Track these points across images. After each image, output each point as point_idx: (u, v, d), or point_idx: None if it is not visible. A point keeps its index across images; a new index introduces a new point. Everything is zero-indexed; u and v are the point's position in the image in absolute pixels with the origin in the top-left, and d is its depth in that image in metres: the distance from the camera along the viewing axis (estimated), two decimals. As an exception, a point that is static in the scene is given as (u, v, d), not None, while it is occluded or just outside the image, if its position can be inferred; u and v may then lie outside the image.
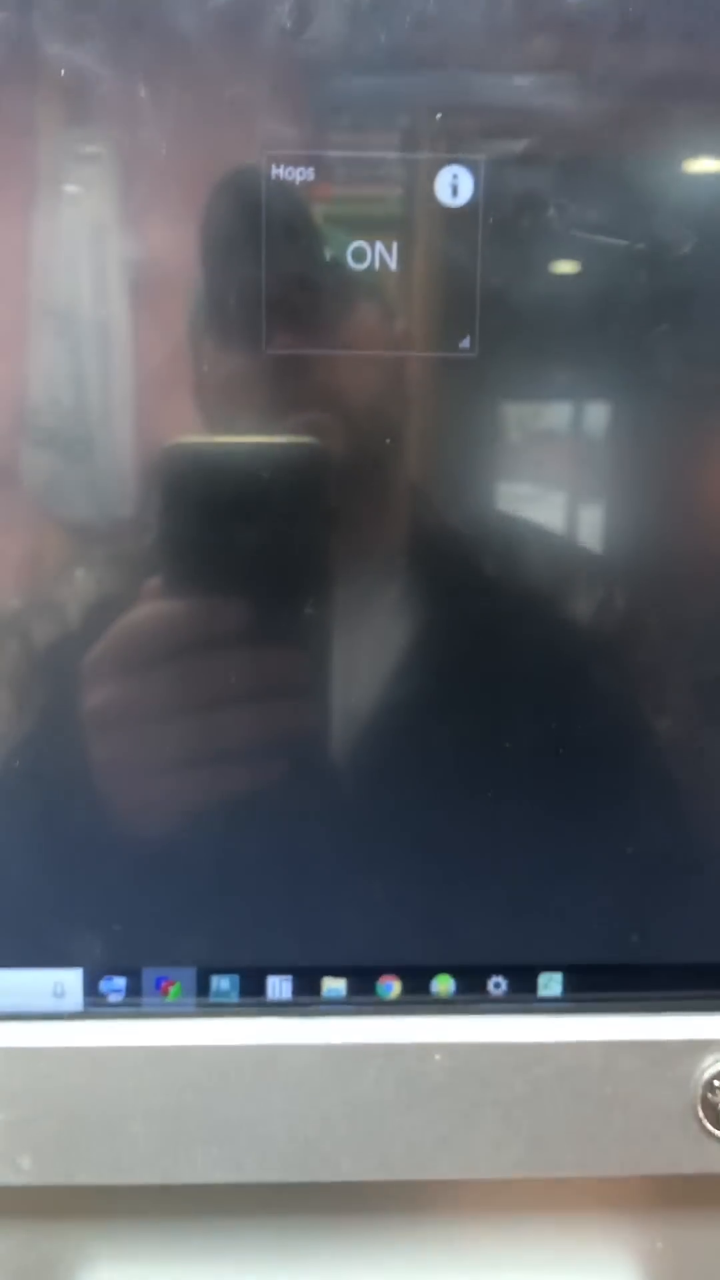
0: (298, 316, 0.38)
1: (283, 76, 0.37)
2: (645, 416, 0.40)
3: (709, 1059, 0.41)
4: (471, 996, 0.43)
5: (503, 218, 0.38)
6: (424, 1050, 0.41)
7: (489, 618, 0.41)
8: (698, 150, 0.38)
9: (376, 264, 0.38)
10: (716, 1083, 0.41)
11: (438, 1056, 0.41)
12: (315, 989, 0.42)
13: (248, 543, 0.39)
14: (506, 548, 0.40)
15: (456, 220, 0.38)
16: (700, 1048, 0.41)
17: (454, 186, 0.38)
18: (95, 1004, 0.42)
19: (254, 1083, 0.41)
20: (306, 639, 0.40)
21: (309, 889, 0.42)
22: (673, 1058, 0.41)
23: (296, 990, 0.42)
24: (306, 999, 0.42)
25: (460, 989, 0.43)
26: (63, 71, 0.37)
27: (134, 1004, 0.42)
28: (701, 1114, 0.41)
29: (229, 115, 0.37)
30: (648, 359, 0.39)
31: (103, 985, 0.42)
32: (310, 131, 0.37)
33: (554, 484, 0.41)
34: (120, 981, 0.42)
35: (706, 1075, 0.41)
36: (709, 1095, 0.41)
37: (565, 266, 0.38)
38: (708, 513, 0.41)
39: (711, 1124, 0.41)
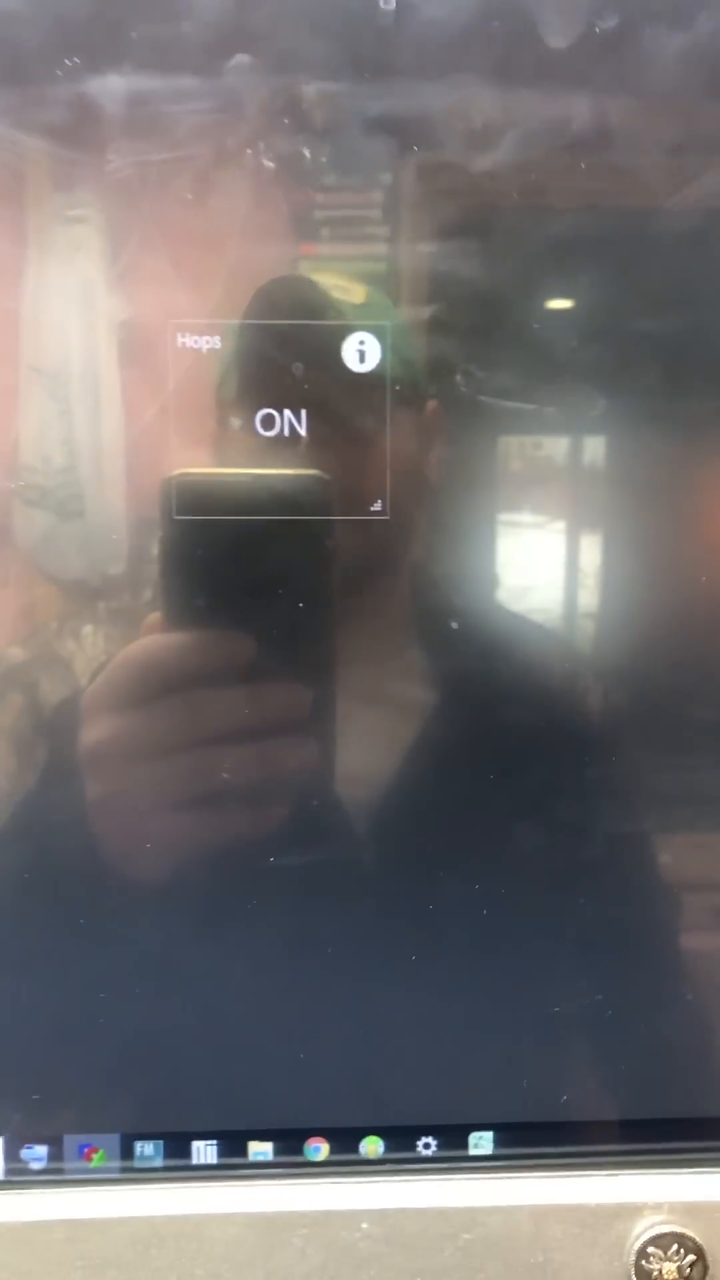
0: (206, 483, 0.38)
1: (186, 244, 0.37)
2: (571, 567, 0.40)
3: (642, 1224, 0.40)
4: (401, 1156, 0.42)
5: (410, 383, 0.38)
6: (351, 1217, 0.40)
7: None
8: (603, 314, 0.38)
9: (286, 431, 0.38)
10: (650, 1249, 0.40)
11: (365, 1224, 0.40)
12: (241, 1152, 0.42)
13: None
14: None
15: (364, 386, 0.38)
16: (633, 1211, 0.40)
17: (361, 353, 0.37)
18: (16, 1172, 0.41)
19: (178, 1255, 0.40)
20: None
21: (233, 1051, 0.41)
22: (605, 1222, 0.40)
23: (222, 1154, 0.41)
24: (232, 1163, 0.41)
25: (389, 1149, 0.42)
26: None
27: (56, 1171, 0.41)
28: (635, 1281, 0.40)
29: (133, 284, 0.37)
30: (565, 518, 0.39)
31: (24, 1153, 0.41)
32: (215, 300, 0.37)
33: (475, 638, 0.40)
34: (42, 1150, 0.41)
35: (640, 1241, 0.40)
36: (643, 1262, 0.40)
37: (474, 430, 0.38)
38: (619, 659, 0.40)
39: (645, 1292, 0.40)
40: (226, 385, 0.38)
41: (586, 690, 0.40)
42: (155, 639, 0.39)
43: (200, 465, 0.38)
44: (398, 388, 0.37)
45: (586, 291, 0.37)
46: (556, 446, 0.39)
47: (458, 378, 0.37)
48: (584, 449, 0.38)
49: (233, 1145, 0.41)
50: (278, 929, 0.41)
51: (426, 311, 0.38)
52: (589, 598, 0.40)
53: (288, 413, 0.37)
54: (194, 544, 0.38)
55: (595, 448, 0.38)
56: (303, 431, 0.38)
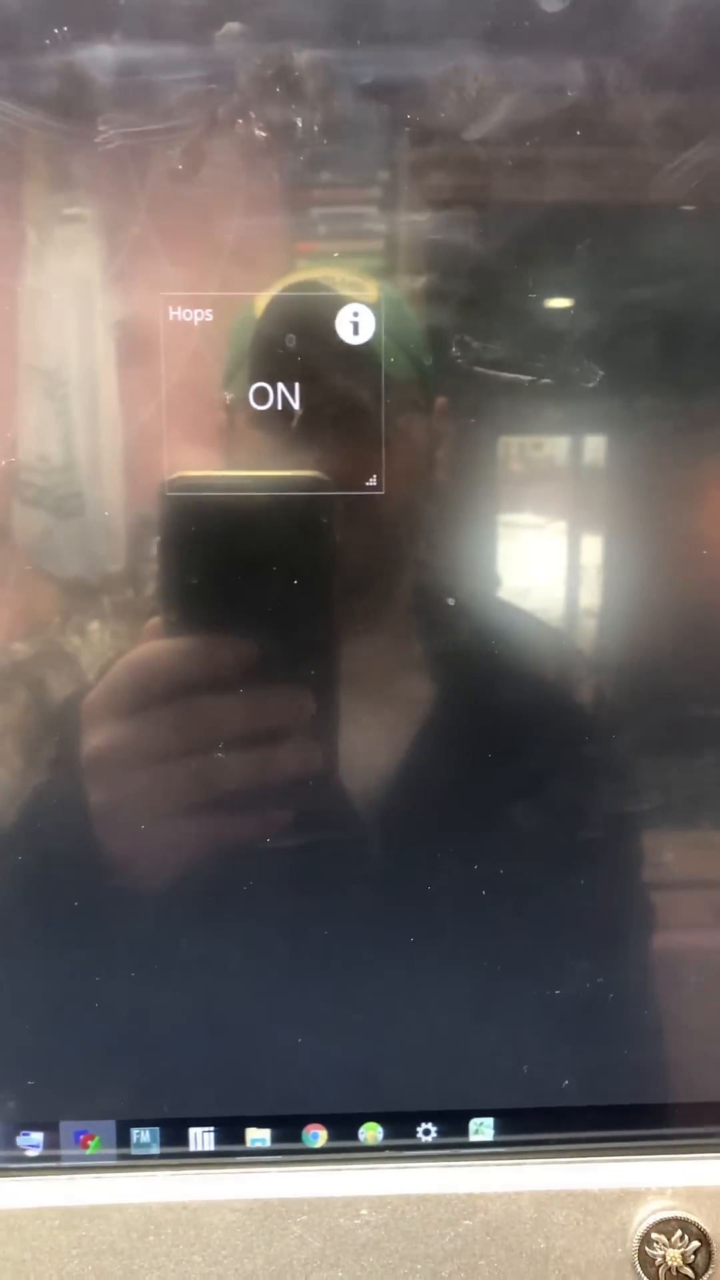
0: (198, 459, 0.37)
1: (176, 218, 0.37)
2: (568, 543, 0.39)
3: (645, 1210, 0.40)
4: (401, 1142, 0.41)
5: (405, 355, 0.37)
6: (350, 1204, 0.40)
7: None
8: (598, 283, 0.37)
9: (279, 404, 0.37)
10: (655, 1235, 0.39)
11: (364, 1211, 0.40)
12: (239, 1139, 0.41)
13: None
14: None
15: (358, 358, 0.37)
16: (636, 1197, 0.40)
17: (355, 325, 0.37)
18: (12, 1159, 0.41)
19: (175, 1243, 0.39)
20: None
21: (230, 1037, 0.41)
22: (608, 1208, 0.40)
23: (219, 1141, 0.41)
24: (230, 1149, 0.41)
25: (389, 1135, 0.41)
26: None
27: (52, 1158, 0.41)
28: (639, 1268, 0.39)
29: (125, 258, 0.37)
30: (563, 491, 0.38)
31: (19, 1139, 0.41)
32: (207, 273, 0.37)
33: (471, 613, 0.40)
34: (38, 1136, 0.41)
35: (643, 1227, 0.39)
36: (647, 1248, 0.39)
37: (469, 403, 0.37)
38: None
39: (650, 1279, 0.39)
40: (220, 358, 0.37)
41: (582, 668, 0.40)
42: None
43: (192, 440, 0.37)
44: (392, 360, 0.37)
45: (582, 260, 0.37)
46: (556, 419, 0.38)
47: (453, 349, 0.37)
48: (583, 421, 0.38)
49: (230, 1132, 0.41)
50: (275, 913, 0.40)
51: (420, 282, 0.37)
52: (589, 579, 0.39)
53: (280, 386, 0.37)
54: (186, 522, 0.37)
55: (596, 421, 0.37)
56: (296, 405, 0.37)
